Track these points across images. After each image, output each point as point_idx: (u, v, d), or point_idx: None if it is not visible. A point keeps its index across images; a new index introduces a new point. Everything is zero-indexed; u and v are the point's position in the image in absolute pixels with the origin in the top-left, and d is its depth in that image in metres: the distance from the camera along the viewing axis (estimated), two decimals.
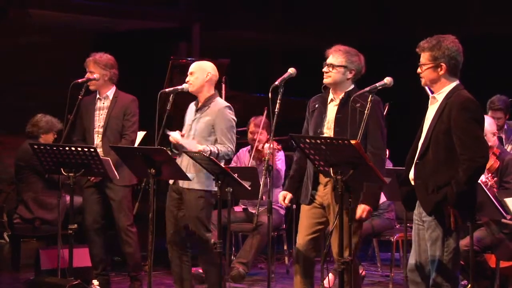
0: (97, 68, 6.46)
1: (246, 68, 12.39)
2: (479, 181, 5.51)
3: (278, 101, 5.22)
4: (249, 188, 5.46)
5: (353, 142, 4.36)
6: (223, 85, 8.35)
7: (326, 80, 5.22)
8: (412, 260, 4.72)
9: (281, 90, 5.25)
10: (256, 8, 11.47)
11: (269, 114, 7.37)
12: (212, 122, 5.81)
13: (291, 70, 5.34)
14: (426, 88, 4.72)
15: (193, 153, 5.47)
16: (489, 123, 6.21)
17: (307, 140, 4.54)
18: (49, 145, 5.88)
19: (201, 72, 5.88)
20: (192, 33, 10.92)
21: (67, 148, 5.65)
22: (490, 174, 6.03)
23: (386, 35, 11.37)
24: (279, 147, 7.41)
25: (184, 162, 5.78)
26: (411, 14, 11.45)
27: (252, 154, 7.62)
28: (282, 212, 7.63)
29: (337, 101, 5.22)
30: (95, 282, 6.59)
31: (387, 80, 4.80)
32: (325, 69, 5.21)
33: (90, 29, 11.04)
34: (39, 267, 6.66)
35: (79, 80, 6.35)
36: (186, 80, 5.88)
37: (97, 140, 6.46)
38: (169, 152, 5.51)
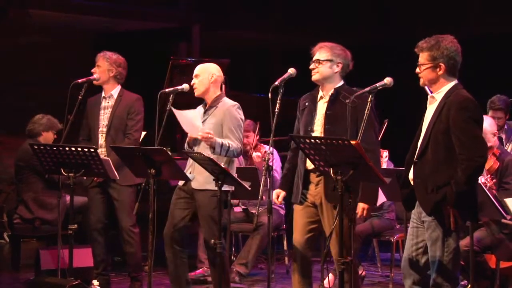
0: (105, 63, 6.49)
1: (246, 68, 12.39)
2: (479, 182, 5.52)
3: (278, 101, 5.23)
4: (249, 189, 5.47)
5: (353, 142, 4.36)
6: (223, 85, 8.34)
7: (314, 77, 5.26)
8: (405, 255, 4.73)
9: (281, 90, 5.25)
10: (256, 8, 11.48)
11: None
12: (221, 121, 5.79)
13: (291, 70, 5.35)
14: (426, 87, 4.72)
15: (193, 153, 5.47)
16: (489, 124, 6.21)
17: (307, 140, 4.54)
18: (49, 145, 5.88)
19: (206, 74, 5.87)
20: (192, 33, 10.92)
21: (67, 148, 5.65)
22: (489, 175, 6.03)
23: (386, 35, 11.37)
24: (265, 155, 7.41)
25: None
26: (411, 14, 11.45)
27: (249, 160, 7.65)
28: (282, 212, 7.64)
29: (327, 98, 5.25)
30: (95, 282, 6.59)
31: (387, 80, 4.81)
32: (312, 66, 5.26)
33: (90, 29, 11.04)
34: (39, 267, 6.66)
35: (79, 80, 6.35)
36: (192, 83, 5.87)
37: (101, 140, 6.47)
38: (169, 152, 5.51)
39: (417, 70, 4.65)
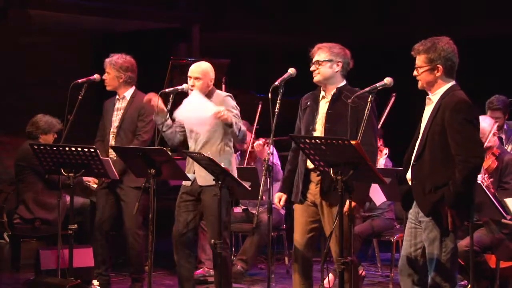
0: (112, 70, 6.50)
1: (246, 68, 12.39)
2: (478, 182, 5.52)
3: (278, 101, 5.23)
4: (249, 188, 5.47)
5: (353, 142, 4.37)
6: (223, 85, 8.35)
7: (316, 78, 5.28)
8: (402, 255, 4.74)
9: (281, 91, 5.26)
10: (256, 8, 11.47)
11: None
12: None
13: (291, 70, 5.35)
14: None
15: (193, 153, 5.47)
16: (488, 124, 6.21)
17: (307, 141, 4.55)
18: (49, 146, 5.88)
19: (207, 79, 5.87)
20: (192, 33, 10.91)
21: (67, 149, 5.65)
22: (486, 175, 6.03)
23: (385, 35, 11.37)
24: (266, 141, 7.39)
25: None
26: (411, 14, 11.44)
27: (246, 158, 7.64)
28: (282, 212, 7.64)
29: (329, 98, 5.26)
30: (95, 282, 6.60)
31: (387, 80, 4.81)
32: (312, 68, 5.27)
33: (90, 29, 11.03)
34: (39, 267, 6.65)
35: (79, 81, 6.34)
36: (191, 84, 5.85)
37: (112, 140, 6.49)
38: (169, 152, 5.51)
39: (415, 73, 4.66)
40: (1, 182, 9.05)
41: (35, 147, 5.81)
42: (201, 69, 5.89)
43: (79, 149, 5.64)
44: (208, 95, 5.88)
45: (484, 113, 7.03)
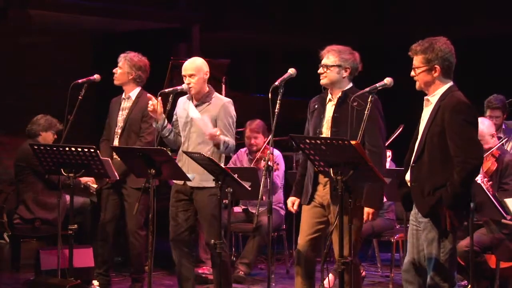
0: (125, 65, 6.52)
1: (246, 68, 12.38)
2: (478, 182, 5.53)
3: (278, 101, 5.23)
4: (249, 189, 5.47)
5: (353, 142, 4.37)
6: (223, 85, 8.35)
7: (322, 81, 5.26)
8: (407, 260, 4.74)
9: (281, 91, 5.25)
10: (256, 8, 11.47)
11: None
12: (215, 117, 5.81)
13: (291, 71, 5.35)
14: None
15: (193, 154, 5.47)
16: (486, 126, 6.21)
17: (307, 141, 4.55)
18: (49, 146, 5.88)
19: (201, 74, 5.87)
20: (192, 33, 10.91)
21: (67, 149, 5.65)
22: (486, 178, 6.04)
23: (385, 35, 11.36)
24: (277, 166, 7.37)
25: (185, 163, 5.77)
26: (411, 14, 11.44)
27: (253, 162, 7.63)
28: (282, 212, 7.64)
29: (335, 101, 5.24)
30: (95, 282, 6.60)
31: (387, 80, 4.81)
32: (320, 70, 5.25)
33: (90, 29, 11.03)
34: (39, 267, 6.66)
35: (79, 80, 6.34)
36: (187, 83, 5.86)
37: (116, 141, 6.49)
38: (169, 152, 5.51)
39: (412, 73, 4.65)
40: (1, 182, 9.06)
41: (35, 147, 5.81)
42: (194, 65, 5.89)
43: (79, 149, 5.64)
44: (207, 97, 5.88)
45: (483, 114, 7.04)
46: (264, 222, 6.67)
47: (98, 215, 6.79)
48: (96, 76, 6.44)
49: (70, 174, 5.68)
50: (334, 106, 5.24)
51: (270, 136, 5.30)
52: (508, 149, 7.00)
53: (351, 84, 5.27)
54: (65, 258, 5.89)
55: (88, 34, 11.22)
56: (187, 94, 5.94)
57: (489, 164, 6.15)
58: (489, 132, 6.22)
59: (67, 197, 6.59)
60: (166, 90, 5.89)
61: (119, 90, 6.67)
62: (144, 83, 6.60)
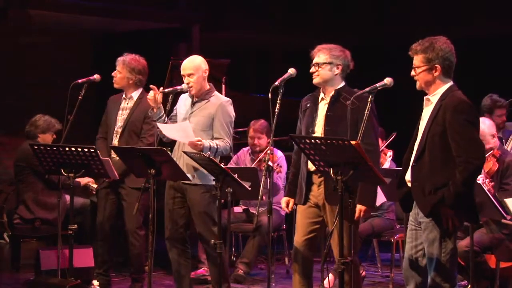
0: (124, 70, 6.49)
1: (246, 68, 12.38)
2: (479, 182, 5.52)
3: (278, 101, 5.23)
4: (249, 189, 5.47)
5: (353, 142, 4.37)
6: (223, 85, 8.35)
7: (315, 80, 5.28)
8: (406, 259, 4.74)
9: (281, 91, 5.26)
10: (256, 8, 11.47)
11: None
12: (212, 115, 5.82)
13: (291, 71, 5.36)
14: None
15: (193, 154, 5.47)
16: (487, 126, 6.21)
17: (307, 141, 4.55)
18: (49, 146, 5.88)
19: (200, 72, 5.87)
20: (192, 33, 10.91)
21: (67, 149, 5.65)
22: (488, 179, 6.03)
23: (385, 35, 11.36)
24: (280, 169, 7.36)
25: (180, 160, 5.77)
26: (411, 14, 11.44)
27: (255, 162, 7.63)
28: (283, 212, 7.63)
29: (328, 99, 5.26)
30: (95, 282, 6.59)
31: (387, 80, 4.81)
32: (312, 69, 5.27)
33: (90, 29, 11.03)
34: (39, 267, 6.65)
35: (79, 80, 6.34)
36: (187, 82, 5.86)
37: (115, 140, 6.48)
38: (169, 152, 5.51)
39: (412, 73, 4.65)
40: (1, 182, 9.05)
41: (35, 147, 5.81)
42: (192, 64, 5.89)
43: (79, 149, 5.64)
44: (207, 95, 5.88)
45: (482, 115, 7.05)
46: (264, 222, 6.67)
47: None
48: (96, 76, 6.43)
49: (70, 174, 5.68)
50: (327, 105, 5.26)
51: (271, 136, 5.29)
52: (508, 149, 7.00)
53: (343, 83, 5.29)
54: (65, 258, 5.88)
55: (88, 34, 11.23)
56: (187, 93, 5.95)
57: (490, 164, 6.16)
58: (490, 132, 6.23)
59: (67, 197, 6.59)
60: (166, 90, 5.89)
61: (119, 90, 6.66)
62: (144, 84, 6.60)
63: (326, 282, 6.11)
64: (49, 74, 10.54)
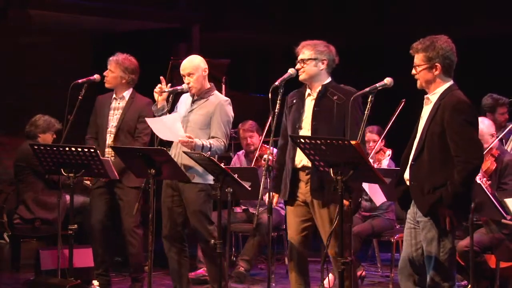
0: (117, 70, 6.47)
1: (246, 68, 12.38)
2: (478, 182, 5.53)
3: (278, 101, 5.24)
4: (249, 189, 5.47)
5: (353, 142, 4.37)
6: (223, 85, 8.35)
7: (301, 77, 5.32)
8: (402, 257, 4.75)
9: (281, 91, 5.27)
10: (256, 8, 11.47)
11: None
12: (210, 114, 5.83)
13: (291, 71, 5.36)
14: None
15: (193, 153, 5.47)
16: (486, 125, 6.21)
17: (307, 141, 4.55)
18: (49, 146, 5.88)
19: (200, 71, 5.88)
20: (192, 33, 10.92)
21: (67, 149, 5.65)
22: (485, 178, 6.03)
23: (385, 35, 11.36)
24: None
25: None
26: (411, 14, 11.44)
27: (254, 162, 7.64)
28: (283, 212, 7.63)
29: (315, 95, 5.28)
30: (95, 282, 6.59)
31: (387, 80, 4.81)
32: (297, 66, 5.29)
33: (90, 29, 11.03)
34: (39, 267, 6.66)
35: (79, 81, 6.34)
36: (186, 82, 5.87)
37: (109, 140, 6.46)
38: (169, 152, 5.51)
39: (413, 71, 4.66)
40: (1, 182, 9.06)
41: (35, 147, 5.81)
42: (192, 64, 5.90)
43: (79, 149, 5.64)
44: (207, 93, 5.89)
45: (480, 115, 7.05)
46: (264, 221, 6.68)
47: None
48: (96, 76, 6.43)
49: (70, 174, 5.68)
50: (314, 101, 5.27)
51: (270, 136, 5.29)
52: (508, 149, 7.00)
53: (330, 78, 5.32)
54: (65, 258, 5.89)
55: (88, 34, 11.22)
56: (187, 93, 5.96)
57: (488, 163, 6.16)
58: (489, 132, 6.23)
59: (67, 197, 6.59)
60: (166, 90, 5.89)
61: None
62: (136, 83, 6.59)
63: (326, 282, 6.11)
64: (49, 74, 10.54)
